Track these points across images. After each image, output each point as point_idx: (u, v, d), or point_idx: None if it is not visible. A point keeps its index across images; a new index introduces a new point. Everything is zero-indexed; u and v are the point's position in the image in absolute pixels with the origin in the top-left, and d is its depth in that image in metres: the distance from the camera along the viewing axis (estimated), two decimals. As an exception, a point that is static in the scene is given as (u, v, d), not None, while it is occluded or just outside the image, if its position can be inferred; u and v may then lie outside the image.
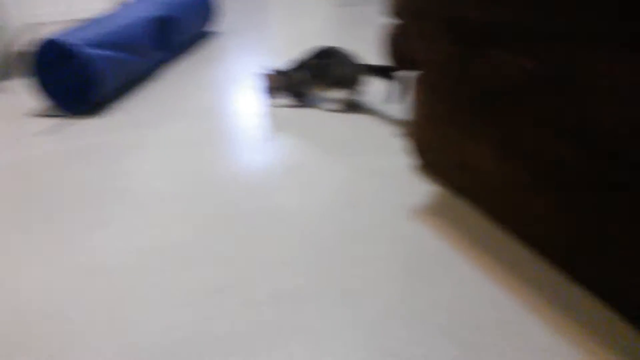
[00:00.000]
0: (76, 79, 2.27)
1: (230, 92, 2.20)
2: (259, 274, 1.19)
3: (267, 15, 3.39)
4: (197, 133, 1.88)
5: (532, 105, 1.03)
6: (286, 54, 2.54)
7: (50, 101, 2.13)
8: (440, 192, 1.42)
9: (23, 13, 3.35)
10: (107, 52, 2.05)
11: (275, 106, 2.04)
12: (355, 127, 1.81)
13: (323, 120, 1.88)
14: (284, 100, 2.04)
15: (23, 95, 2.31)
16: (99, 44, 2.04)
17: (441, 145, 1.38)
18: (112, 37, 2.11)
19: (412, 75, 1.53)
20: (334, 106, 1.96)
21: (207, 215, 1.43)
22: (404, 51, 1.65)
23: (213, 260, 1.25)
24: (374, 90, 2.03)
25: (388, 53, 1.70)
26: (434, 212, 1.35)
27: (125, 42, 2.16)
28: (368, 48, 2.51)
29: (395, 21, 1.65)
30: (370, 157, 1.63)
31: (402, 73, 1.75)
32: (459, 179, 1.36)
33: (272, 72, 2.00)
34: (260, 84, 2.06)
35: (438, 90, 1.34)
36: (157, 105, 2.13)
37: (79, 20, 3.39)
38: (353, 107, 1.96)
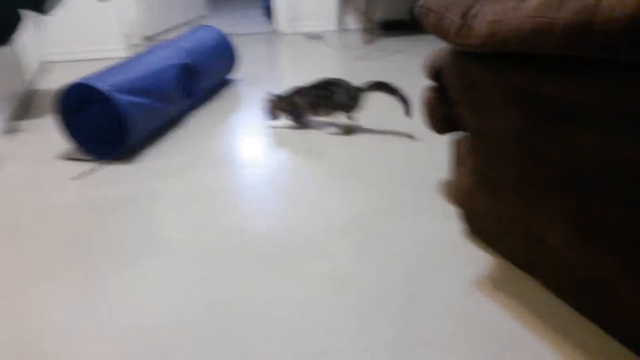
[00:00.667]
0: (105, 124, 2.23)
1: (251, 140, 2.18)
2: (318, 347, 1.14)
3: (283, 66, 3.41)
4: (225, 182, 1.83)
5: (617, 188, 1.02)
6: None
7: (75, 144, 2.08)
8: (498, 263, 1.39)
9: (41, 52, 3.32)
10: (138, 99, 2.02)
11: (275, 127, 2.33)
12: (390, 175, 1.78)
13: (357, 164, 1.86)
14: (283, 121, 2.33)
15: (49, 136, 2.25)
16: (129, 90, 2.01)
17: (497, 215, 1.36)
18: (141, 83, 2.08)
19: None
20: (335, 130, 2.24)
21: (252, 274, 1.37)
22: (445, 115, 1.64)
23: (268, 326, 1.19)
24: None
25: (426, 115, 1.69)
26: (497, 286, 1.31)
27: (154, 88, 2.13)
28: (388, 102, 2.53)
29: (434, 84, 1.65)
30: (416, 219, 1.59)
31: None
32: (521, 252, 1.33)
33: (272, 97, 2.29)
34: (264, 108, 2.45)
35: (495, 159, 1.32)
36: (182, 152, 2.09)
37: (96, 60, 3.37)
38: (351, 131, 2.23)
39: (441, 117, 1.61)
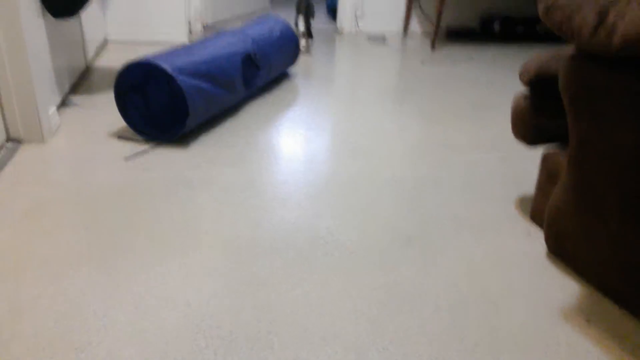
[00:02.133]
0: (162, 107, 2.16)
1: (308, 136, 2.06)
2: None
3: (343, 64, 3.29)
4: (280, 177, 1.72)
5: None
6: (351, 111, 2.42)
7: (130, 124, 2.01)
8: (586, 291, 1.23)
9: (103, 30, 3.30)
10: (200, 83, 1.94)
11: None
12: (463, 186, 1.63)
13: (427, 172, 1.71)
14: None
15: (104, 114, 2.19)
16: (192, 73, 1.93)
17: (594, 239, 1.19)
18: (205, 68, 2.00)
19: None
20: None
21: (307, 280, 1.25)
22: (537, 124, 1.49)
23: (321, 339, 1.06)
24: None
25: (516, 124, 1.54)
26: (586, 316, 1.15)
27: (217, 74, 2.05)
28: (455, 113, 2.38)
29: (528, 91, 1.50)
30: (493, 235, 1.44)
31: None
32: (618, 283, 1.17)
33: None
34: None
35: (608, 175, 1.15)
36: (236, 142, 1.99)
37: (156, 44, 3.33)
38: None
39: (533, 127, 1.46)
